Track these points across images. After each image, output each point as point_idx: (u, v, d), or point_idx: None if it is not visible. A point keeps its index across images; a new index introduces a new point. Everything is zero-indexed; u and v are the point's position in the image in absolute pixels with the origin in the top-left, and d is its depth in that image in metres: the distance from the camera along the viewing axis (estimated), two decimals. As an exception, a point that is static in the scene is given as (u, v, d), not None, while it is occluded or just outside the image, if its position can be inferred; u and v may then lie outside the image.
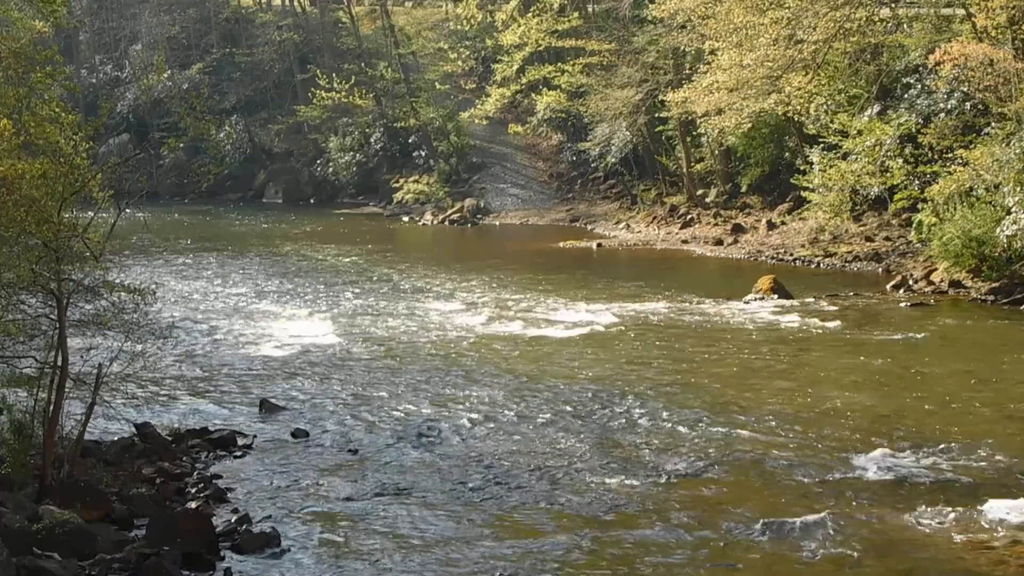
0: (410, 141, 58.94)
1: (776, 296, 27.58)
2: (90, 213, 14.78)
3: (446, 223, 50.91)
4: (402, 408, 18.42)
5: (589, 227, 46.48)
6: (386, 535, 12.83)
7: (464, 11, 58.59)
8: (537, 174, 55.63)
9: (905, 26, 33.02)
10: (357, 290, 31.49)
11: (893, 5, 31.47)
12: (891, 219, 34.55)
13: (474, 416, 17.84)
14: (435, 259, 38.70)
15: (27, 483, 12.99)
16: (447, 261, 37.67)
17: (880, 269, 31.84)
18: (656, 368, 20.99)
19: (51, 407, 13.17)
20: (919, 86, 33.14)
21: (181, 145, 65.09)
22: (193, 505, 13.35)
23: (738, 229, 39.20)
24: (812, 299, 27.58)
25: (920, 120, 32.32)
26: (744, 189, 42.36)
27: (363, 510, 13.64)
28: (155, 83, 63.89)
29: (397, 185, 57.36)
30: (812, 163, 35.22)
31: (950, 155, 29.39)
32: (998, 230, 26.42)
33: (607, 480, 14.56)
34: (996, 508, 13.16)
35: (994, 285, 26.92)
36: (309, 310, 28.16)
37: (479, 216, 51.77)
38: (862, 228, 35.05)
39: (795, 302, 27.21)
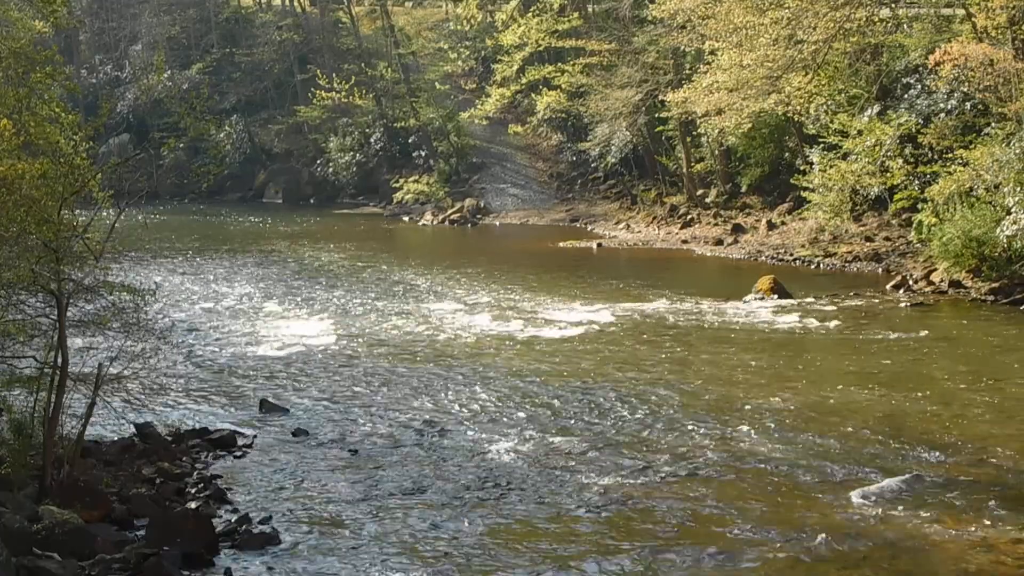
0: (410, 141, 58.94)
1: (776, 296, 27.58)
2: (84, 213, 14.77)
3: (446, 223, 50.91)
4: (402, 408, 18.42)
5: (589, 227, 46.47)
6: (386, 535, 12.83)
7: (464, 11, 58.63)
8: (537, 174, 55.63)
9: (905, 26, 33.02)
10: (357, 290, 31.49)
11: (893, 5, 31.46)
12: (891, 219, 34.55)
13: (474, 416, 17.84)
14: (435, 259, 38.69)
15: (27, 483, 12.98)
16: (447, 261, 37.66)
17: (880, 269, 31.84)
18: (656, 368, 20.98)
19: (51, 407, 13.16)
20: (919, 86, 33.14)
21: (181, 145, 64.97)
22: (193, 505, 13.35)
23: (738, 229, 39.20)
24: (812, 299, 27.58)
25: (920, 120, 32.30)
26: (744, 189, 42.37)
27: (363, 510, 13.64)
28: (155, 83, 63.78)
29: (397, 185, 57.36)
30: (812, 163, 35.21)
31: (950, 155, 29.37)
32: (998, 230, 26.42)
33: (607, 480, 14.56)
34: (996, 508, 13.17)
35: (994, 285, 26.91)
36: (309, 310, 28.16)
37: (479, 216, 51.76)
38: (862, 228, 35.04)
39: (795, 302, 27.20)
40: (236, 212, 58.28)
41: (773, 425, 16.91)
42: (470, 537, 12.77)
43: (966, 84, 28.50)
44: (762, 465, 15.07)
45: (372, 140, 60.23)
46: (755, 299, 27.61)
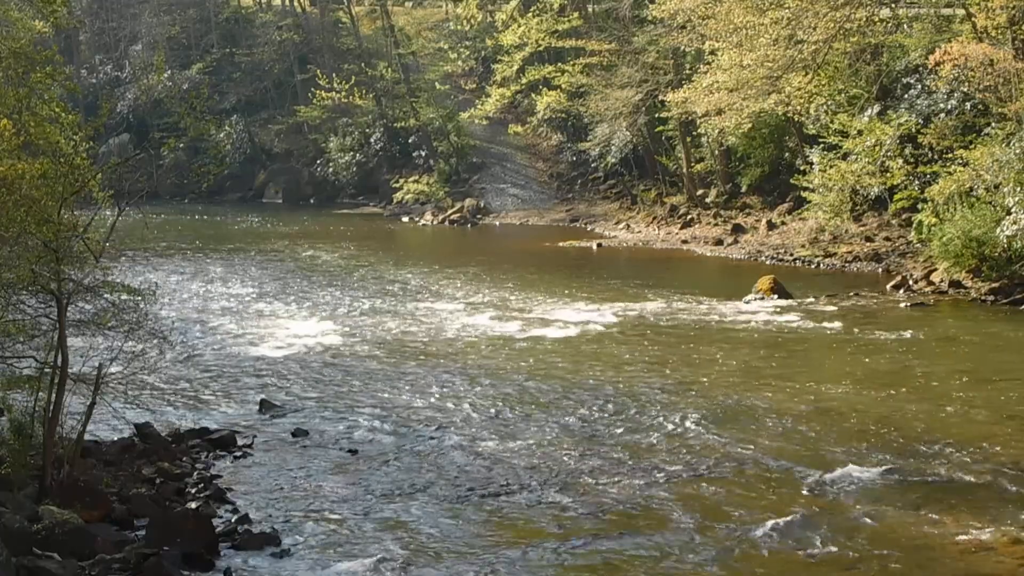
0: (410, 141, 58.95)
1: (776, 296, 27.58)
2: (85, 213, 14.77)
3: (446, 223, 50.91)
4: (402, 408, 18.42)
5: (589, 227, 46.48)
6: (386, 535, 12.83)
7: (464, 11, 58.62)
8: (537, 174, 55.63)
9: (905, 26, 33.02)
10: (357, 290, 31.49)
11: (893, 5, 31.46)
12: (891, 219, 34.54)
13: (474, 416, 17.84)
14: (435, 259, 38.70)
15: (27, 483, 12.98)
16: (447, 261, 37.67)
17: (880, 269, 31.84)
18: (655, 368, 20.98)
19: (51, 407, 13.16)
20: (919, 86, 33.14)
21: (181, 145, 64.79)
22: (193, 505, 13.34)
23: (738, 229, 39.20)
24: (812, 299, 27.58)
25: (920, 120, 32.31)
26: (744, 189, 42.36)
27: (363, 510, 13.65)
28: (155, 83, 63.83)
29: (397, 185, 57.36)
30: (812, 163, 35.22)
31: (950, 155, 29.38)
32: (998, 230, 26.42)
33: (607, 480, 14.55)
34: (996, 508, 13.16)
35: (994, 285, 26.91)
36: (309, 310, 28.16)
37: (479, 216, 51.77)
38: (862, 228, 35.05)
39: (795, 302, 27.20)
40: (236, 212, 58.28)
41: (772, 425, 16.91)
42: (469, 537, 12.77)
43: (966, 84, 28.50)
44: (760, 464, 15.06)
45: (372, 140, 60.23)
46: (755, 299, 27.61)
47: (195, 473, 15.03)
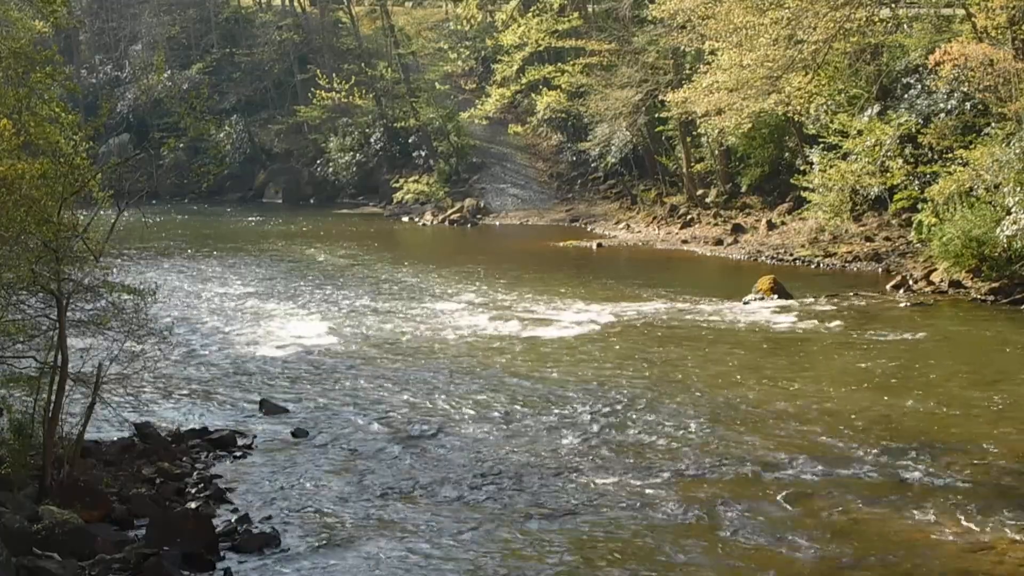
0: (410, 141, 58.95)
1: (776, 296, 27.57)
2: (84, 213, 14.78)
3: (446, 223, 50.92)
4: (402, 408, 18.42)
5: (589, 227, 46.48)
6: (386, 535, 12.83)
7: (464, 11, 58.64)
8: (537, 174, 55.63)
9: (905, 26, 33.02)
10: (357, 290, 31.50)
11: (893, 5, 31.46)
12: (891, 219, 34.54)
13: (474, 416, 17.85)
14: (435, 259, 38.70)
15: (27, 483, 12.99)
16: (447, 261, 37.66)
17: (880, 269, 31.84)
18: (655, 368, 20.99)
19: (51, 407, 13.17)
20: (919, 86, 33.14)
21: (181, 145, 64.80)
22: (193, 505, 13.35)
23: (738, 229, 39.20)
24: (812, 299, 27.57)
25: (920, 120, 32.31)
26: (744, 189, 42.37)
27: (363, 510, 13.65)
28: (155, 83, 63.82)
29: (397, 185, 57.37)
30: (812, 163, 35.22)
31: (950, 155, 29.38)
32: (998, 230, 26.42)
33: (607, 480, 14.56)
34: (995, 508, 13.16)
35: (994, 285, 26.91)
36: (309, 310, 28.16)
37: (479, 216, 51.77)
38: (862, 228, 35.04)
39: (795, 302, 27.20)
40: (236, 212, 58.29)
41: (772, 425, 16.91)
42: (469, 537, 12.77)
43: (966, 84, 28.50)
44: (758, 463, 15.07)
45: (372, 140, 60.23)
46: (755, 299, 27.61)
47: (195, 473, 15.03)
